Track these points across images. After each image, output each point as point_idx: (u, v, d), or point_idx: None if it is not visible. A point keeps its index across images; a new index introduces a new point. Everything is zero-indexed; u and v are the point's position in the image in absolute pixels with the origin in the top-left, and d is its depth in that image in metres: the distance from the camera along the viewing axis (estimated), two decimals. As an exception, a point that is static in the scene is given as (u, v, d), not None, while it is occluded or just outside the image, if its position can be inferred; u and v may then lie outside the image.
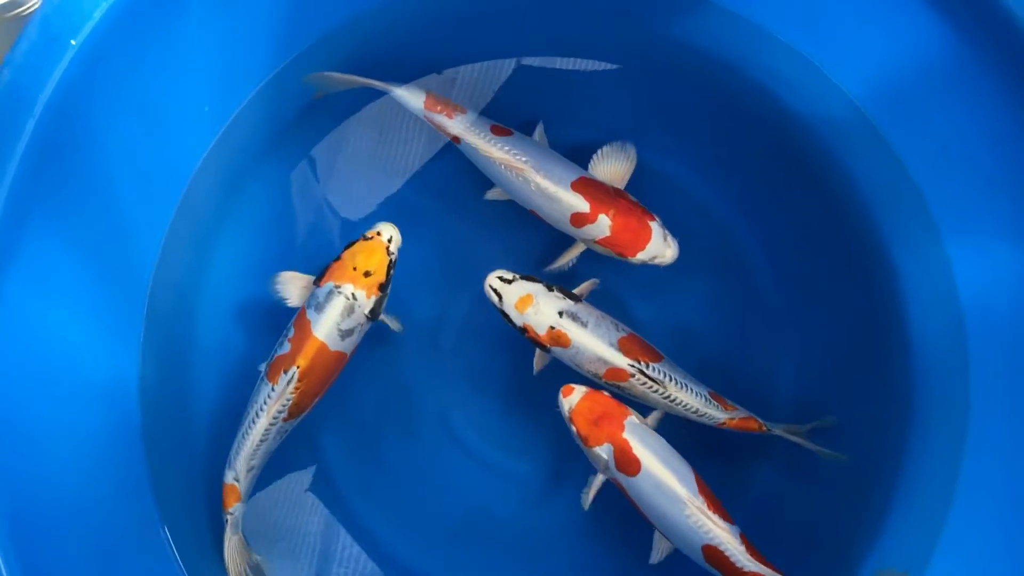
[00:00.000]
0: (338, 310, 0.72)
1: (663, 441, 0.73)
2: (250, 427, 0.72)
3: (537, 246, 0.84)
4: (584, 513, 0.76)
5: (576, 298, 0.76)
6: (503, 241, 0.86)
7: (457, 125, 0.79)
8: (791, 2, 0.76)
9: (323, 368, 0.73)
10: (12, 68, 0.59)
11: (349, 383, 0.79)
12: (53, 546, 0.65)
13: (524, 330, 0.75)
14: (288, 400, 0.71)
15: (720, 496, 0.72)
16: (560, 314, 0.74)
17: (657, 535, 0.74)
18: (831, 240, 0.83)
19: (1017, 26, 0.65)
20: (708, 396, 0.76)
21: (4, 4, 0.75)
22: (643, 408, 0.75)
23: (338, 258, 0.74)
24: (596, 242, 0.78)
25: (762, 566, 0.69)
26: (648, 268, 0.78)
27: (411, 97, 0.80)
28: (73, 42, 0.60)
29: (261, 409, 0.72)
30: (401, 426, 0.84)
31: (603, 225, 0.76)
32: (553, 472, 0.83)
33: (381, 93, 0.81)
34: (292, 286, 0.76)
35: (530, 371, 0.78)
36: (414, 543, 0.82)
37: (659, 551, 0.74)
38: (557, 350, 0.75)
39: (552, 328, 0.74)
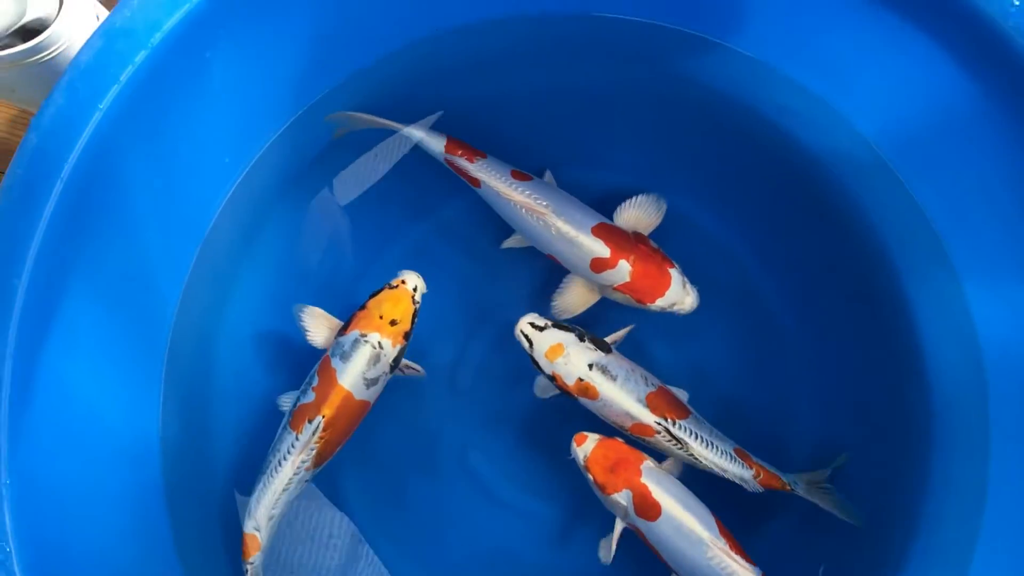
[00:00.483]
0: (365, 359, 0.72)
1: (680, 484, 0.73)
2: (272, 476, 0.72)
3: (553, 291, 0.83)
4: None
5: (607, 348, 0.75)
6: (519, 284, 0.86)
7: (478, 169, 0.79)
8: (809, 47, 0.76)
9: (348, 417, 0.72)
10: (39, 133, 0.59)
11: (369, 424, 0.79)
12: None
13: (552, 378, 0.75)
14: (312, 449, 0.71)
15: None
16: (590, 367, 0.74)
17: (676, 580, 0.74)
18: (848, 280, 0.83)
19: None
20: (733, 454, 0.75)
21: (25, 50, 0.75)
22: (659, 454, 0.75)
23: (363, 307, 0.74)
24: (615, 288, 0.78)
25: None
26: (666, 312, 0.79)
27: (432, 140, 0.80)
28: (100, 106, 0.60)
29: (284, 458, 0.71)
30: (420, 466, 0.84)
31: (623, 271, 0.76)
32: (572, 511, 0.83)
33: (400, 133, 0.81)
34: (318, 324, 0.75)
35: (547, 412, 0.78)
36: (434, 583, 0.82)
37: (679, 595, 0.75)
38: (584, 400, 0.75)
39: (581, 380, 0.74)
